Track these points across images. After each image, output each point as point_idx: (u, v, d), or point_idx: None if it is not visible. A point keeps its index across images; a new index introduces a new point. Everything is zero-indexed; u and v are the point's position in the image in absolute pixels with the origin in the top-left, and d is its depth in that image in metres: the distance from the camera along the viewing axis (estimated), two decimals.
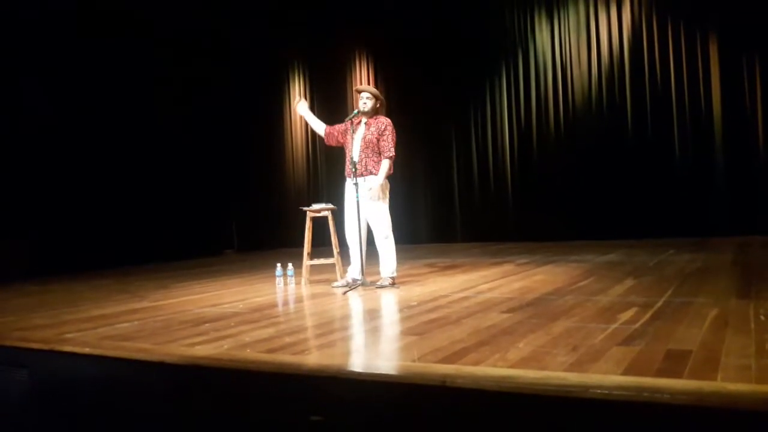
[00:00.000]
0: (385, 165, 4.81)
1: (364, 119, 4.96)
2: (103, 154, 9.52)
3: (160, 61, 10.35)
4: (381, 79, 10.87)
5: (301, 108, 5.38)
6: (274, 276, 5.53)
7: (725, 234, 7.57)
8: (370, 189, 4.77)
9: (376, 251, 4.92)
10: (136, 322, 3.68)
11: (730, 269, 4.64)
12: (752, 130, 7.72)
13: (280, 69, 12.27)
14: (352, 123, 4.98)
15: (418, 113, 10.10)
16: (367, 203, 4.80)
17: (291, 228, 10.64)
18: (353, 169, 4.77)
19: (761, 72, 7.63)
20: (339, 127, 5.13)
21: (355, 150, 4.87)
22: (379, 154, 4.84)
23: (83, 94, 9.30)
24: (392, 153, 4.84)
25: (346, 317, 3.64)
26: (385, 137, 4.83)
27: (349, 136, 4.96)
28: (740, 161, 7.78)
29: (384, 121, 4.90)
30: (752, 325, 2.57)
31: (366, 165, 4.81)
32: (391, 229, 4.86)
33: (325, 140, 5.25)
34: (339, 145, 5.16)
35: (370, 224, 4.87)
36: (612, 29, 8.72)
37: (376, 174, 4.81)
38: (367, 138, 4.84)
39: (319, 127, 5.25)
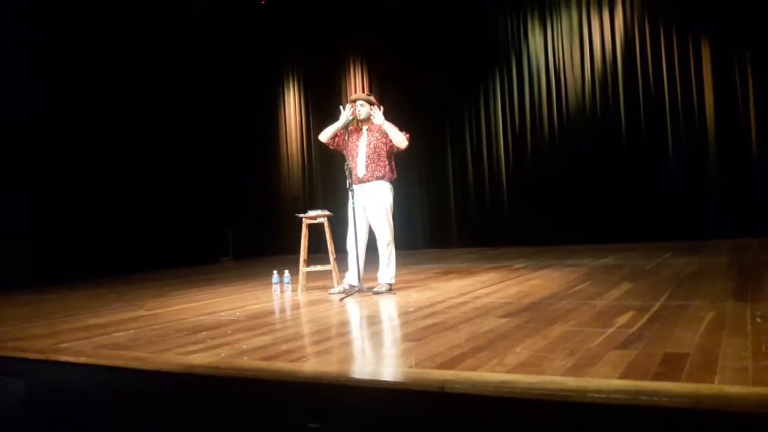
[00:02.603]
0: (399, 133, 4.80)
1: (365, 126, 4.98)
2: (99, 163, 9.50)
3: (157, 71, 10.35)
4: (375, 85, 10.90)
5: (345, 114, 5.05)
6: (270, 283, 5.52)
7: (721, 237, 7.60)
8: (381, 195, 4.79)
9: (375, 257, 4.91)
10: (132, 331, 3.67)
11: (726, 272, 4.65)
12: (746, 132, 7.76)
13: (275, 76, 12.30)
14: (347, 130, 4.99)
15: (413, 119, 10.10)
16: (372, 209, 4.81)
17: (287, 235, 10.64)
18: (348, 176, 4.79)
19: (753, 75, 7.68)
20: (341, 133, 5.07)
21: (360, 157, 4.88)
22: (386, 158, 4.85)
23: (82, 102, 9.29)
24: (407, 134, 4.86)
25: (343, 324, 3.64)
26: (390, 129, 4.83)
27: (351, 144, 4.96)
28: (734, 164, 7.81)
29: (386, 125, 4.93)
30: (749, 328, 2.58)
31: (373, 171, 4.83)
32: (393, 236, 4.86)
33: (327, 141, 5.11)
34: (335, 147, 5.13)
35: (374, 230, 4.87)
36: (605, 34, 8.77)
37: (382, 179, 4.82)
38: (372, 144, 4.86)
39: (333, 130, 5.08)
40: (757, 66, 7.66)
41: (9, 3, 8.27)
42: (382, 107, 5.06)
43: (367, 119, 4.94)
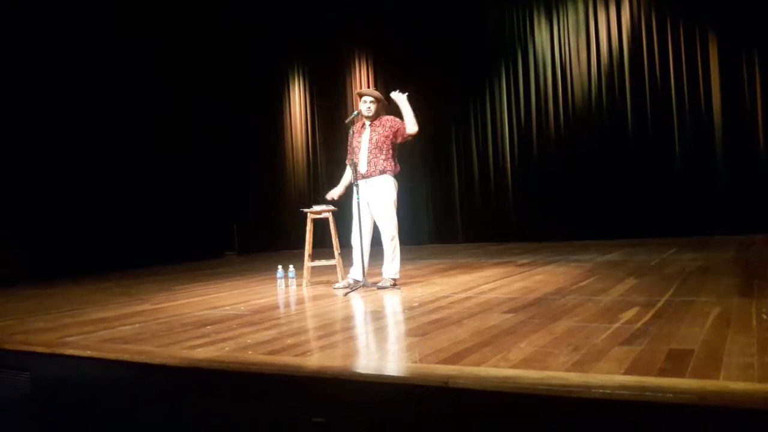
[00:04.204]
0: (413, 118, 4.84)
1: (368, 122, 4.97)
2: (103, 157, 9.52)
3: (160, 66, 10.36)
4: (380, 81, 10.86)
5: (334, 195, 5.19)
6: (275, 278, 5.52)
7: (726, 232, 7.57)
8: (384, 190, 4.79)
9: (380, 252, 4.92)
10: (137, 325, 3.68)
11: (731, 268, 4.64)
12: (752, 127, 7.72)
13: (281, 72, 12.28)
14: (354, 124, 4.99)
15: (418, 114, 10.08)
16: (375, 203, 4.81)
17: (292, 230, 10.64)
18: (353, 171, 4.79)
19: (761, 70, 7.63)
20: (349, 145, 5.05)
21: (362, 152, 4.88)
22: (389, 153, 4.86)
23: (85, 96, 9.30)
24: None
25: (347, 319, 3.64)
26: (397, 126, 4.86)
27: (355, 140, 4.97)
28: (741, 159, 7.77)
29: (388, 118, 4.96)
30: (754, 324, 2.57)
31: (375, 165, 4.83)
32: (397, 231, 4.86)
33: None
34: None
35: (378, 225, 4.87)
36: (611, 29, 8.72)
37: (386, 173, 4.82)
38: (374, 139, 4.86)
39: (347, 176, 5.15)
40: (764, 62, 7.61)
41: (10, 3, 8.28)
42: (386, 102, 5.07)
43: (371, 116, 4.93)
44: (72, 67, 9.13)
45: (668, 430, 1.67)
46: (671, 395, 1.67)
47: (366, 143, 4.89)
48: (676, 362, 2.04)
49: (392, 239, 4.81)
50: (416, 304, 3.85)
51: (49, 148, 8.87)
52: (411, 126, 4.85)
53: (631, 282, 4.16)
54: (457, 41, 9.93)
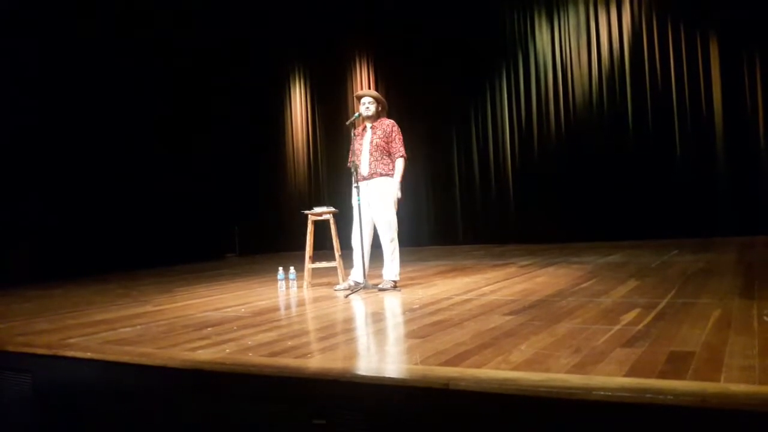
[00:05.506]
0: (400, 165, 4.85)
1: (368, 124, 4.98)
2: (105, 158, 9.54)
3: (161, 67, 10.37)
4: (381, 82, 10.88)
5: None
6: (276, 280, 5.53)
7: (728, 234, 7.57)
8: (384, 192, 4.78)
9: (380, 254, 4.92)
10: (138, 327, 3.68)
11: (733, 270, 4.63)
12: (753, 129, 7.72)
13: (282, 74, 12.30)
14: (355, 127, 5.00)
15: (419, 115, 10.12)
16: (375, 205, 4.81)
17: (293, 231, 10.65)
18: (354, 173, 4.79)
19: (762, 71, 7.63)
20: (352, 148, 5.08)
21: (363, 154, 4.89)
22: (389, 156, 4.87)
23: (86, 97, 9.32)
24: (404, 153, 4.89)
25: (348, 320, 3.64)
26: (394, 139, 4.87)
27: (356, 142, 4.98)
28: (742, 161, 7.77)
29: (389, 123, 4.93)
30: (755, 326, 2.57)
31: (375, 168, 4.83)
32: (396, 233, 4.86)
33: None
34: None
35: (377, 226, 4.87)
36: (612, 30, 8.73)
37: (386, 175, 4.82)
38: (374, 142, 4.86)
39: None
40: (765, 62, 7.61)
41: (11, 3, 8.30)
42: (386, 103, 5.07)
43: (371, 117, 4.94)
44: (73, 67, 9.14)
45: None
46: (672, 397, 1.67)
47: (367, 145, 4.90)
48: (677, 364, 2.04)
49: (391, 241, 4.81)
50: (417, 305, 3.85)
51: (51, 149, 8.88)
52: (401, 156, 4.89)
53: (632, 284, 4.16)
54: (457, 42, 9.95)
